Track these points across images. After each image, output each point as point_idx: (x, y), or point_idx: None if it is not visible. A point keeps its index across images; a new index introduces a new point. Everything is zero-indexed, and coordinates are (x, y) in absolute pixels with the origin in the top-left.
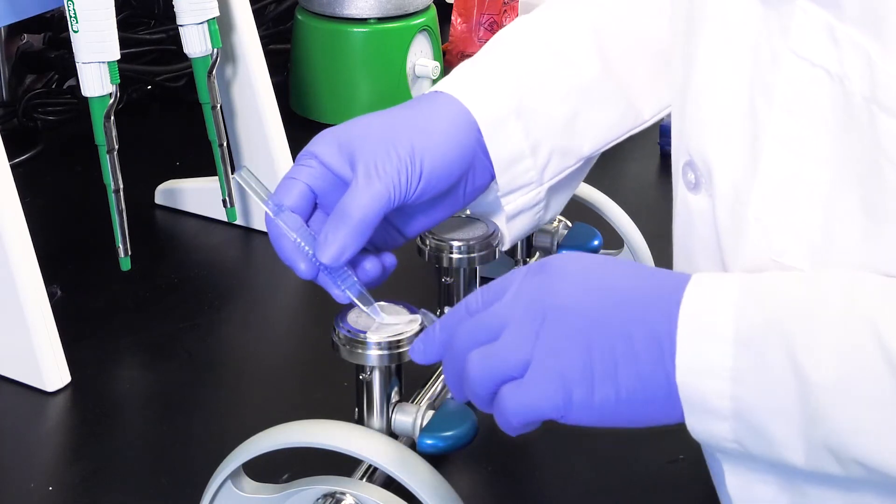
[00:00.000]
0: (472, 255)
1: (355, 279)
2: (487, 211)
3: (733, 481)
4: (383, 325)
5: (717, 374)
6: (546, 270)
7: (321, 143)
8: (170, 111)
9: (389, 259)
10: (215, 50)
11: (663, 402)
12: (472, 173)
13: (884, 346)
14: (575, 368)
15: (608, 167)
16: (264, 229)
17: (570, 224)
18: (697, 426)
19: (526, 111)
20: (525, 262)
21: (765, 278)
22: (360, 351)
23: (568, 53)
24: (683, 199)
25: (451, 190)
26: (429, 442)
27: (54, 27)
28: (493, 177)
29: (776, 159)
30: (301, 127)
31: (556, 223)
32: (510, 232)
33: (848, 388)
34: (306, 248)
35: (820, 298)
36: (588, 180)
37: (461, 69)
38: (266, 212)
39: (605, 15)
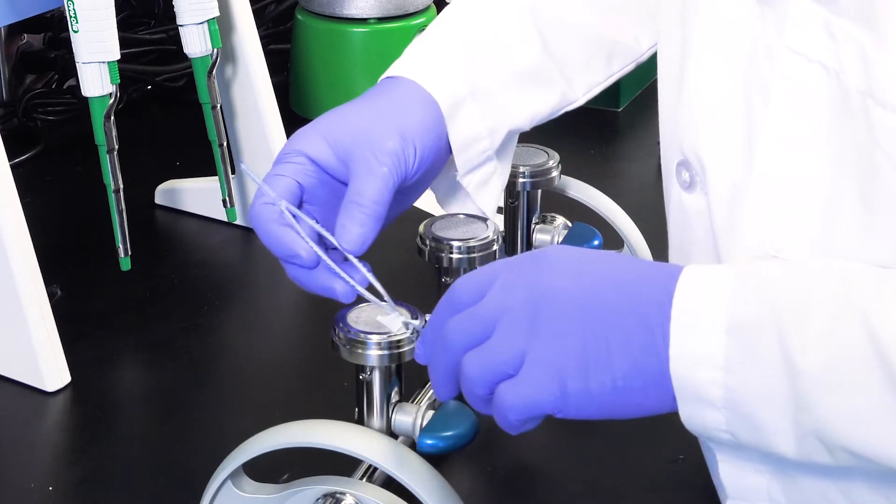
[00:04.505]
0: (473, 255)
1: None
2: (448, 189)
3: (727, 471)
4: (383, 325)
5: (709, 364)
6: (538, 261)
7: (306, 140)
8: (170, 111)
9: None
10: (215, 50)
11: (658, 391)
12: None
13: (873, 336)
14: (570, 357)
15: (608, 167)
16: None
17: (569, 224)
18: (691, 416)
19: (480, 93)
20: None
21: (759, 268)
22: (360, 351)
23: (511, 35)
24: (678, 199)
25: (434, 164)
26: (429, 442)
27: (54, 27)
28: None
29: (772, 155)
30: (301, 127)
31: (556, 223)
32: (487, 207)
33: (837, 376)
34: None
35: (813, 288)
36: (588, 180)
37: (415, 50)
38: (260, 204)
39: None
